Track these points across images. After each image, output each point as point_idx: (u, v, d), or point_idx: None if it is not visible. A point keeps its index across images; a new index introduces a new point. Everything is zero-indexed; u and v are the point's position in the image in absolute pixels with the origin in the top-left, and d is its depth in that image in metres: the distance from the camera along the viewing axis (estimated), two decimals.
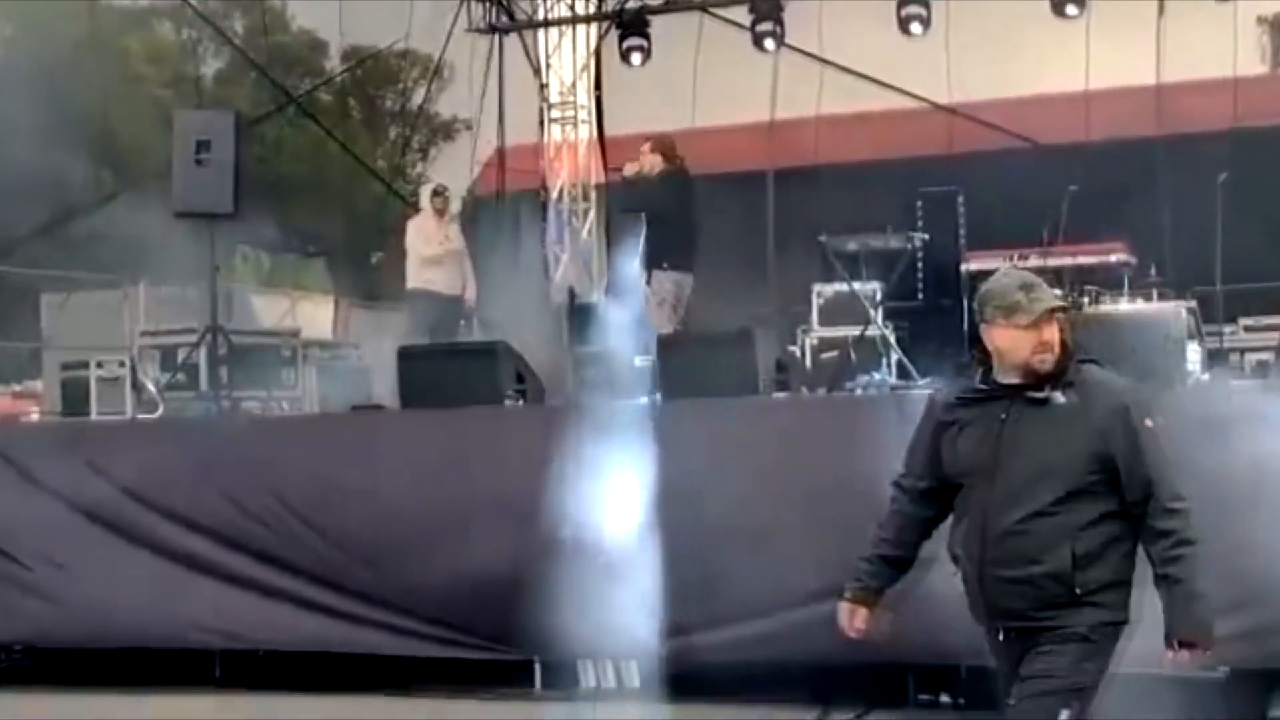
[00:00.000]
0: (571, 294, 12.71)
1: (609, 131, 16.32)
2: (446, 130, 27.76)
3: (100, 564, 8.87)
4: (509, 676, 8.38)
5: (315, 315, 14.96)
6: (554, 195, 16.64)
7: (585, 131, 16.48)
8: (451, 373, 9.10)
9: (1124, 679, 7.12)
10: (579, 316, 11.71)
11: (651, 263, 10.45)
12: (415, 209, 13.23)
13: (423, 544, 8.43)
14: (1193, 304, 10.06)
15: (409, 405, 9.11)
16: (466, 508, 8.38)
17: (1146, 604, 6.97)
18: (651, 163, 10.64)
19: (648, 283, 10.40)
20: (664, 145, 10.82)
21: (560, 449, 8.26)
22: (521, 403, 9.14)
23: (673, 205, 10.62)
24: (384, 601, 8.54)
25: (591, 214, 15.92)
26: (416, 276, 12.28)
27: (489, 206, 17.34)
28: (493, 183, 17.63)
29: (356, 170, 21.44)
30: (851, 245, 11.49)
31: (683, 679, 8.15)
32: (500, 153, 17.00)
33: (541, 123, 16.55)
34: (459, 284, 12.32)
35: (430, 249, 12.23)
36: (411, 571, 8.45)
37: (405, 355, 9.41)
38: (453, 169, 21.72)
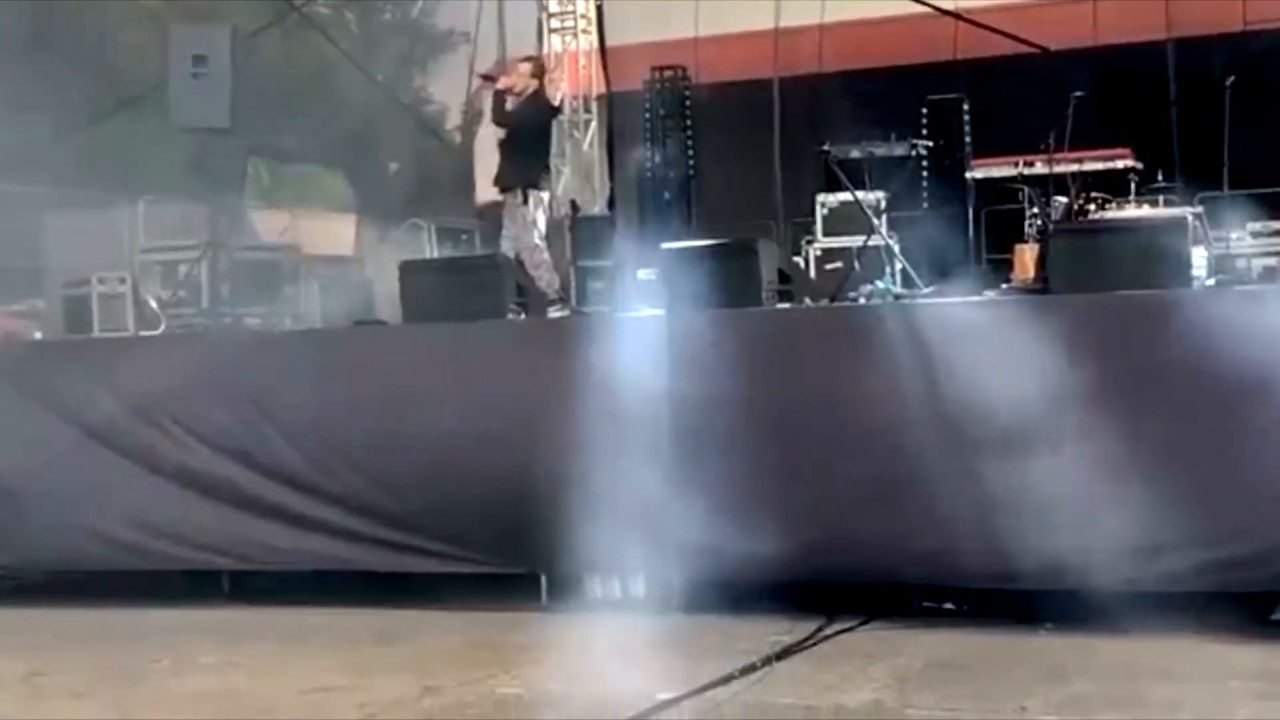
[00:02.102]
0: (574, 206, 12.64)
1: (610, 42, 16.14)
2: (445, 42, 27.48)
3: (100, 482, 8.86)
4: (516, 590, 8.40)
5: (327, 230, 14.87)
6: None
7: (586, 42, 16.29)
8: (453, 287, 9.06)
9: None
10: (582, 229, 11.66)
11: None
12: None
13: (426, 459, 8.41)
14: (1199, 209, 10.01)
15: (411, 320, 9.09)
16: (471, 422, 8.36)
17: (1155, 526, 7.04)
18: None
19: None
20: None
21: (566, 361, 8.26)
22: (523, 316, 9.11)
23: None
24: (388, 517, 8.54)
25: (594, 126, 15.77)
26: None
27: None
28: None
29: (358, 83, 21.24)
30: (855, 153, 11.40)
31: (687, 591, 8.19)
32: (500, 64, 16.84)
33: (540, 33, 16.36)
34: None
35: None
36: (416, 486, 8.45)
37: (407, 270, 9.36)
38: (451, 82, 21.58)
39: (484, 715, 6.31)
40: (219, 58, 10.66)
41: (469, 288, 9.02)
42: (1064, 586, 7.32)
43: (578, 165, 15.60)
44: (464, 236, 13.90)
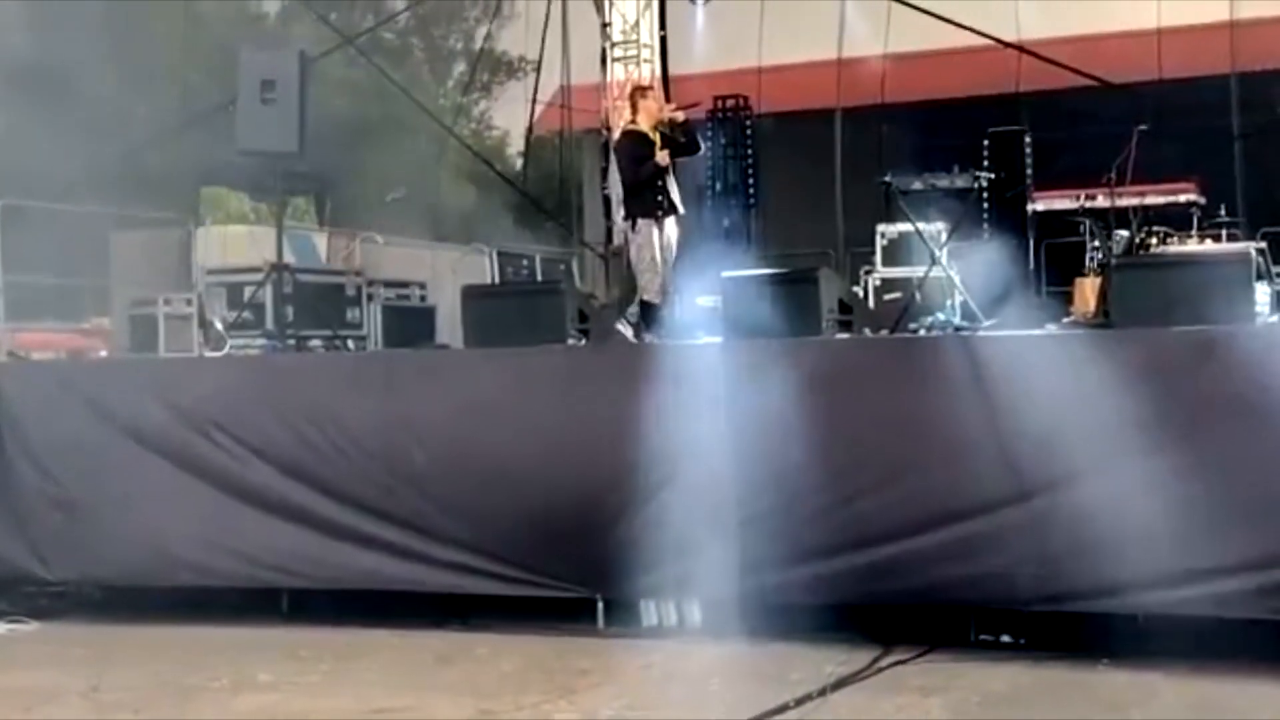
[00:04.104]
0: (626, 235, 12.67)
1: (673, 71, 16.24)
2: (510, 68, 27.71)
3: (165, 500, 8.96)
4: (572, 613, 8.43)
5: (391, 254, 15.00)
6: (615, 135, 16.57)
7: (648, 70, 16.39)
8: (515, 312, 9.12)
9: (1181, 619, 7.18)
10: None
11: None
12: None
13: (486, 482, 8.46)
14: (1262, 244, 9.95)
15: (472, 344, 9.16)
16: (531, 446, 8.41)
17: (1211, 549, 7.03)
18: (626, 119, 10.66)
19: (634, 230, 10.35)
20: (632, 99, 10.78)
21: (627, 387, 8.31)
22: (584, 341, 9.17)
23: (624, 162, 10.60)
24: (447, 538, 8.59)
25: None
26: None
27: (548, 145, 17.35)
28: (555, 122, 17.61)
29: (419, 111, 21.45)
30: (917, 185, 11.42)
31: (744, 617, 8.20)
32: (564, 91, 16.97)
33: (604, 61, 16.47)
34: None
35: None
36: (476, 508, 8.50)
37: (469, 294, 9.45)
38: (515, 108, 21.74)
39: None
40: (287, 83, 10.80)
41: (531, 313, 9.08)
42: (1124, 610, 7.34)
43: None
44: (524, 262, 14.01)
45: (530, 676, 7.45)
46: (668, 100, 11.70)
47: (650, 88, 10.89)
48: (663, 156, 10.21)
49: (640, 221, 10.31)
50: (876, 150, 13.97)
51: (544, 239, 17.49)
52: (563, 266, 14.96)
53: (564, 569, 8.37)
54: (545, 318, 9.03)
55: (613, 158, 16.22)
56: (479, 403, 8.60)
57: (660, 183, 10.29)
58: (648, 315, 10.29)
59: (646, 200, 10.32)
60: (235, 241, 13.69)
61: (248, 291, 11.56)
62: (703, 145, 11.05)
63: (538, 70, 17.48)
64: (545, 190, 19.30)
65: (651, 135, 10.28)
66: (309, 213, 17.40)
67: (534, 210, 18.67)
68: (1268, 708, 6.53)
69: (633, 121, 10.52)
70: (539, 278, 14.37)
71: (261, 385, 9.12)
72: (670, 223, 10.38)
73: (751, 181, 15.91)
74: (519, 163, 22.14)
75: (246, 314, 11.43)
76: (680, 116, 10.43)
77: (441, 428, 8.59)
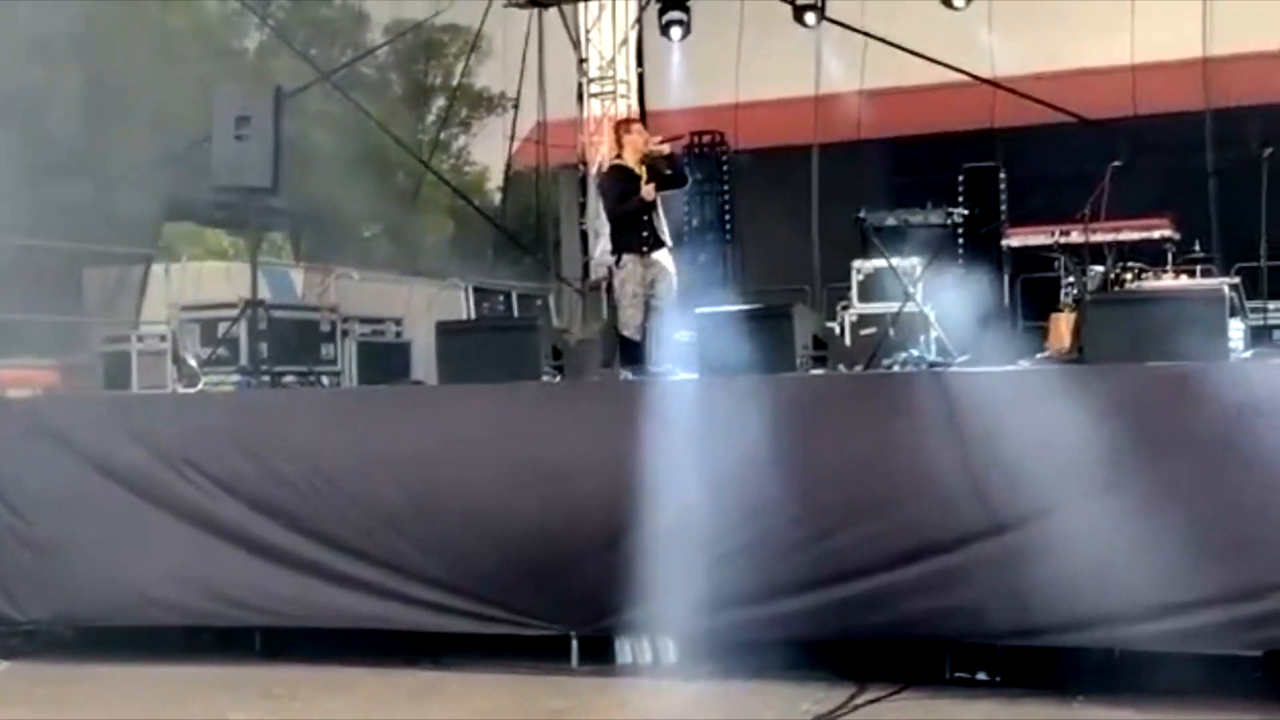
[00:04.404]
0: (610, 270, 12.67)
1: (650, 107, 16.30)
2: (490, 104, 27.74)
3: (137, 538, 8.90)
4: (547, 651, 8.39)
5: (366, 290, 14.99)
6: (593, 170, 16.62)
7: (625, 106, 16.44)
8: (490, 348, 9.12)
9: (1155, 655, 7.19)
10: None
11: (675, 239, 10.39)
12: None
13: (461, 519, 8.43)
14: (1236, 280, 9.99)
15: (447, 380, 9.14)
16: (505, 483, 8.39)
17: (1185, 584, 7.04)
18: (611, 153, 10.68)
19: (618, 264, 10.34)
20: (616, 132, 10.82)
21: (601, 424, 8.30)
22: (559, 378, 9.16)
23: (608, 197, 10.61)
24: (422, 576, 8.54)
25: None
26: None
27: (527, 180, 17.38)
28: (533, 157, 17.65)
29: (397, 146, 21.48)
30: (891, 220, 11.45)
31: (718, 655, 8.17)
32: (540, 126, 17.00)
33: (580, 97, 16.52)
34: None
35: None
36: (450, 546, 8.46)
37: (444, 330, 9.44)
38: (493, 143, 21.75)
39: None
40: (262, 118, 10.78)
41: (505, 349, 9.08)
42: (1097, 644, 7.35)
43: None
44: (500, 298, 14.01)
45: (504, 715, 7.40)
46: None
47: (634, 121, 10.87)
48: (648, 191, 10.17)
49: (625, 256, 10.29)
50: (852, 186, 13.99)
51: (522, 274, 17.49)
52: (539, 302, 14.96)
53: (538, 606, 8.33)
54: (520, 354, 9.04)
55: (591, 192, 16.31)
56: (453, 439, 8.57)
57: (645, 218, 10.25)
58: (626, 351, 10.28)
59: (630, 235, 10.29)
60: (212, 277, 13.67)
61: (222, 327, 11.52)
62: (689, 178, 10.99)
63: (516, 106, 17.51)
64: (523, 225, 19.31)
65: (637, 169, 10.25)
66: (285, 248, 17.40)
67: (512, 245, 18.68)
68: None
69: (617, 156, 10.51)
70: (515, 313, 14.36)
71: (235, 422, 9.07)
72: (661, 257, 10.32)
73: (728, 217, 15.94)
74: (497, 198, 22.15)
75: (221, 350, 11.39)
76: (665, 149, 10.41)
77: (416, 464, 8.55)
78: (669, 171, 10.37)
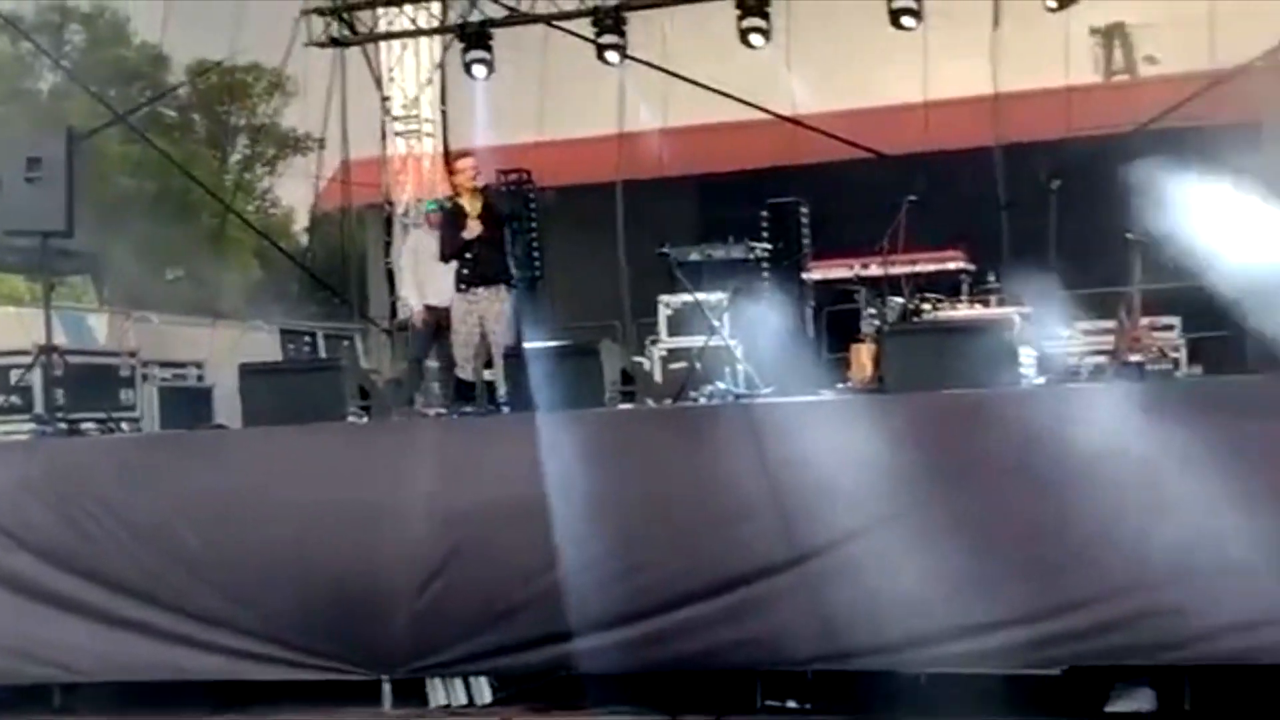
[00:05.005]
0: (427, 308, 12.57)
1: (454, 145, 16.26)
2: (295, 144, 27.45)
3: None
4: (358, 696, 8.27)
5: (167, 334, 14.65)
6: (399, 209, 16.53)
7: (430, 145, 16.38)
8: (294, 390, 9.00)
9: (963, 678, 7.35)
10: (425, 331, 11.63)
11: (507, 274, 10.34)
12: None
13: (266, 564, 8.29)
14: (1028, 310, 10.28)
15: (251, 423, 8.99)
16: (313, 526, 8.27)
17: (984, 606, 7.21)
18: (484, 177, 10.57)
19: (509, 293, 10.28)
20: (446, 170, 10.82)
21: (409, 463, 8.24)
22: (365, 418, 9.08)
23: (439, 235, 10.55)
24: (224, 623, 8.38)
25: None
26: (418, 294, 11.85)
27: (334, 221, 17.22)
28: (338, 197, 17.49)
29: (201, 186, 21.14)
30: (694, 255, 11.57)
31: (534, 693, 8.15)
32: (344, 166, 16.85)
33: (384, 136, 16.43)
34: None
35: (434, 263, 11.64)
36: (253, 592, 8.32)
37: (247, 372, 9.28)
38: (299, 183, 21.54)
39: None
40: (54, 160, 10.49)
41: (310, 390, 8.96)
42: (903, 668, 7.47)
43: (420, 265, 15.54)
44: (306, 339, 13.82)
45: None
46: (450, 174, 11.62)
47: (463, 157, 10.75)
48: (472, 227, 10.09)
49: (456, 295, 10.23)
50: (658, 223, 14.11)
51: (329, 315, 17.30)
52: (345, 343, 14.80)
53: (347, 651, 8.22)
54: (324, 395, 8.94)
55: (397, 231, 16.21)
56: (256, 483, 8.43)
57: (470, 254, 10.15)
58: (460, 389, 10.21)
59: (458, 273, 10.22)
60: (4, 323, 13.23)
61: (15, 374, 11.16)
62: (519, 211, 10.94)
63: (321, 145, 17.35)
64: (329, 266, 19.11)
65: (468, 206, 10.15)
66: (89, 292, 16.93)
67: (318, 287, 18.47)
68: None
69: (451, 194, 10.43)
70: (322, 354, 14.17)
71: (30, 471, 8.80)
72: (496, 293, 10.20)
73: (536, 255, 15.95)
74: (304, 239, 21.90)
75: (14, 399, 11.03)
76: (486, 184, 10.36)
77: (216, 510, 8.39)
78: (498, 208, 10.31)
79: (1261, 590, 6.86)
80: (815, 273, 12.36)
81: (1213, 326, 9.85)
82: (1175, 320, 10.60)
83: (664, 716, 7.67)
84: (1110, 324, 10.37)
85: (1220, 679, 7.24)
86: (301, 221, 25.73)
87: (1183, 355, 10.24)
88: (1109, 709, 7.50)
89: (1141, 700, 7.48)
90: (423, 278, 11.63)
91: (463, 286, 10.13)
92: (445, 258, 10.30)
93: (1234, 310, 8.67)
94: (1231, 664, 7.10)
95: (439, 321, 11.12)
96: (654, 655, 7.84)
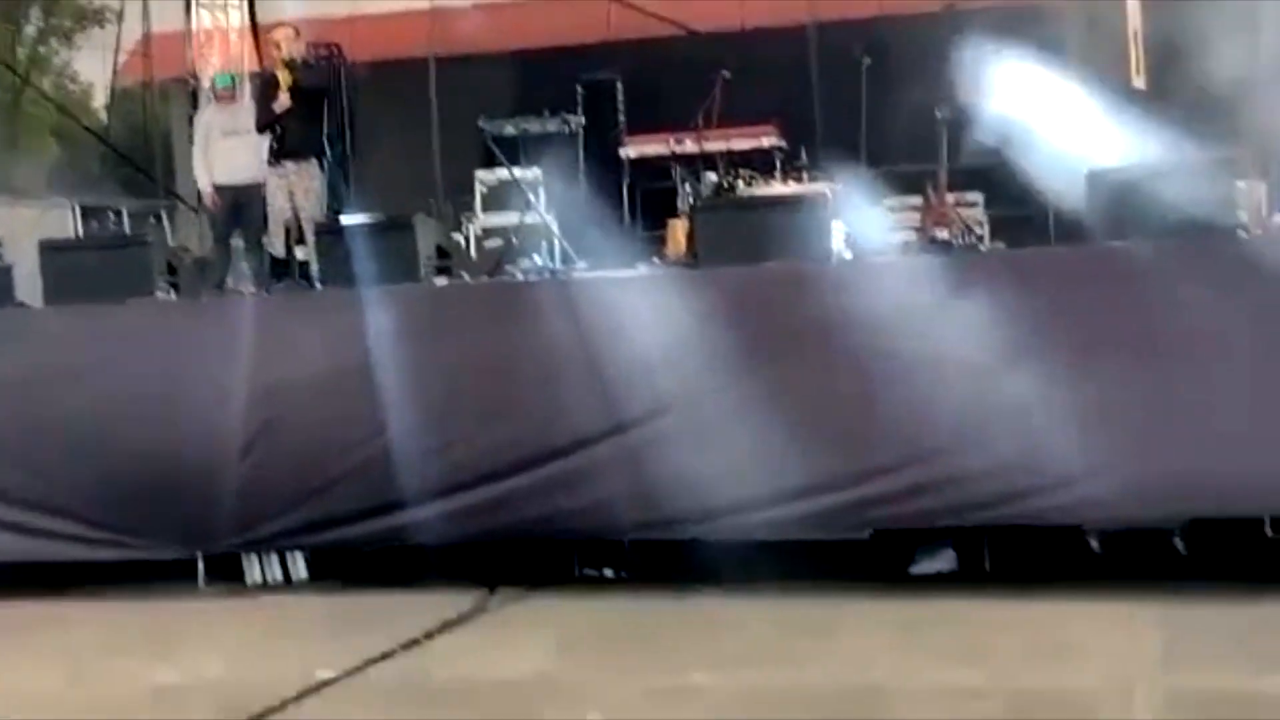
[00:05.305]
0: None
1: (262, 18, 15.81)
2: (95, 16, 26.43)
3: None
4: (172, 575, 8.19)
5: None
6: (205, 84, 16.05)
7: (237, 18, 15.91)
8: (99, 266, 8.77)
9: (774, 544, 7.55)
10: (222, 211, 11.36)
11: (319, 149, 10.13)
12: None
13: (73, 443, 8.14)
14: (838, 186, 10.44)
15: (54, 302, 8.75)
16: (121, 404, 8.14)
17: (794, 474, 7.39)
18: (300, 48, 10.30)
19: (322, 169, 10.09)
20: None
21: (220, 340, 8.13)
22: (173, 295, 8.91)
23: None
24: (36, 505, 8.24)
25: (246, 103, 15.43)
26: (207, 173, 11.39)
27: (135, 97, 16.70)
28: (140, 71, 16.94)
29: None
30: (510, 129, 11.49)
31: (348, 568, 8.17)
32: (146, 40, 16.31)
33: (188, 8, 15.91)
34: (255, 169, 11.23)
35: (225, 139, 11.21)
36: (63, 471, 8.18)
37: (48, 249, 9.03)
38: (99, 58, 20.79)
39: (138, 706, 6.13)
40: None
41: (116, 267, 8.75)
42: (717, 536, 7.63)
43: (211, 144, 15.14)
44: (112, 216, 13.45)
45: (126, 641, 7.21)
46: (258, 48, 11.35)
47: (280, 27, 10.42)
48: (282, 99, 9.85)
49: (267, 169, 10.01)
50: (473, 99, 13.94)
51: (134, 194, 16.82)
52: (152, 220, 14.41)
53: (160, 530, 8.14)
54: (131, 271, 8.73)
55: (201, 106, 15.76)
56: (62, 362, 8.25)
57: (280, 128, 9.91)
58: (274, 266, 10.03)
59: (270, 146, 9.99)
60: None
61: None
62: (330, 85, 10.69)
63: (120, 18, 16.74)
64: (132, 143, 18.54)
65: (283, 77, 9.88)
66: None
67: (122, 164, 17.94)
68: (849, 620, 6.92)
69: (260, 68, 10.16)
70: (128, 232, 13.78)
71: None
72: (306, 168, 9.97)
73: (349, 130, 15.65)
74: (104, 116, 21.18)
75: None
76: (299, 52, 10.10)
77: (20, 390, 8.19)
78: (311, 79, 10.07)
79: (1057, 456, 7.12)
80: (631, 149, 12.38)
81: (1016, 203, 10.12)
82: (979, 197, 10.84)
83: (481, 589, 7.74)
84: (918, 201, 10.59)
85: (1017, 540, 7.55)
86: (101, 98, 24.86)
87: (986, 230, 10.48)
88: (913, 570, 7.80)
89: (943, 562, 7.79)
90: (212, 157, 11.25)
91: (272, 160, 9.94)
92: (259, 129, 10.09)
93: (1036, 187, 8.94)
94: (1028, 525, 7.39)
95: (236, 200, 10.85)
96: (473, 528, 7.90)
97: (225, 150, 10.83)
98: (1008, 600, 7.10)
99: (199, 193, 11.93)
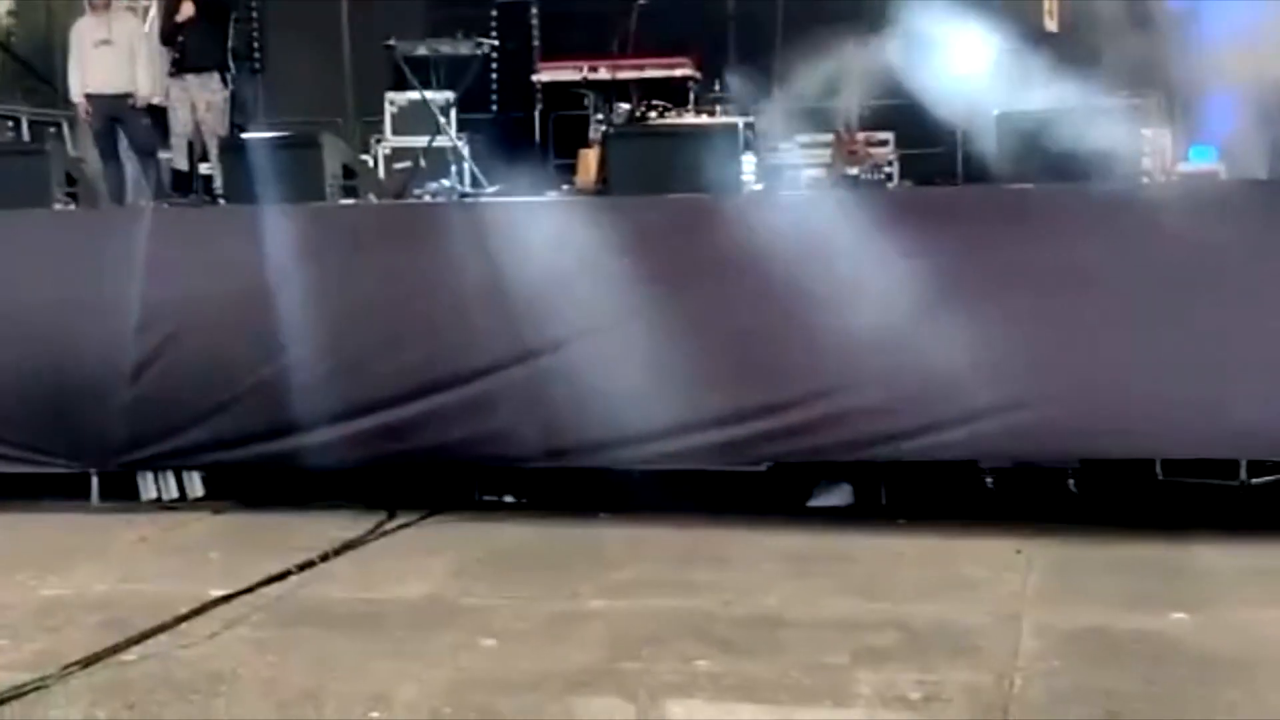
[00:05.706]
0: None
1: None
2: None
3: None
4: (66, 491, 8.10)
5: None
6: None
7: None
8: None
9: (673, 474, 7.59)
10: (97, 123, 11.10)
11: (223, 63, 9.94)
12: None
13: None
14: (751, 119, 10.41)
15: None
16: (13, 317, 8.00)
17: (695, 406, 7.42)
18: None
19: (225, 84, 9.90)
20: None
21: (119, 253, 8.01)
22: (72, 206, 8.74)
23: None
24: None
25: (152, 14, 15.09)
26: (80, 83, 11.04)
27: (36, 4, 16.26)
28: None
29: None
30: (421, 50, 11.32)
31: (245, 488, 8.11)
32: None
33: None
34: (127, 80, 10.91)
35: (95, 49, 10.85)
36: None
37: None
38: None
39: (26, 618, 6.05)
40: None
41: (12, 176, 8.59)
42: (616, 464, 7.68)
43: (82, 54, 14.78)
44: (10, 124, 13.14)
45: (19, 554, 7.10)
46: None
47: None
48: (185, 10, 9.66)
49: (171, 81, 9.82)
50: (385, 19, 13.72)
51: (35, 102, 16.43)
52: (52, 129, 14.09)
53: (53, 445, 8.06)
54: (30, 181, 8.59)
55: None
56: None
57: (182, 39, 9.73)
58: (176, 180, 9.86)
59: (172, 58, 9.80)
60: None
61: None
62: None
63: None
64: (34, 49, 18.09)
65: None
66: None
67: (23, 71, 17.50)
68: (745, 551, 6.98)
69: None
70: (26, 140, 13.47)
71: None
72: (209, 81, 9.78)
73: (256, 46, 15.37)
74: (4, 21, 20.65)
75: None
76: None
77: None
78: None
79: (952, 393, 7.20)
80: (544, 74, 12.25)
81: (926, 143, 10.15)
82: (890, 135, 10.86)
83: (380, 513, 7.72)
84: (829, 137, 10.60)
85: (911, 476, 7.64)
86: (4, 4, 24.27)
87: (895, 169, 10.51)
88: (810, 504, 7.88)
89: (840, 496, 7.88)
90: (85, 67, 10.92)
91: (174, 72, 9.77)
92: (163, 41, 9.90)
93: (946, 127, 8.97)
94: (922, 460, 7.47)
95: (110, 111, 10.56)
96: (373, 451, 7.87)
97: (96, 58, 10.52)
98: (902, 535, 7.20)
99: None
